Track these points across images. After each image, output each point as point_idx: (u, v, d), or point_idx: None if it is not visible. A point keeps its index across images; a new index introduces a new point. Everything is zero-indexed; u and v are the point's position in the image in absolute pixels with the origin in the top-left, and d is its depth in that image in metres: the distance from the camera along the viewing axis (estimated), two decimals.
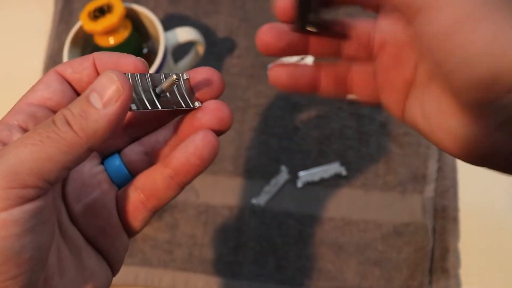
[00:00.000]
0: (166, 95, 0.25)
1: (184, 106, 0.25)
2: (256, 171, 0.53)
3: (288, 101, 0.56)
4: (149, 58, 0.51)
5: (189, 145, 0.25)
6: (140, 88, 0.24)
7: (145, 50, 0.52)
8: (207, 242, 0.51)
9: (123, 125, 0.27)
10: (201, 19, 0.61)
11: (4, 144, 0.23)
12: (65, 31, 0.62)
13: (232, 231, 0.52)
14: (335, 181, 0.52)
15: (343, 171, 0.52)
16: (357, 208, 0.51)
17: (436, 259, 0.49)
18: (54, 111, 0.25)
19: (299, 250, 0.51)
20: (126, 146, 0.28)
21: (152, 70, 0.47)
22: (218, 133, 0.26)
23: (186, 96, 0.26)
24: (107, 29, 0.46)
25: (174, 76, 0.24)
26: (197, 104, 0.26)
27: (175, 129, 0.27)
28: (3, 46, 0.64)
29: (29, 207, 0.20)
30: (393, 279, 0.49)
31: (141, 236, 0.52)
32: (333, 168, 0.53)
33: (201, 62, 0.58)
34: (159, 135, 0.27)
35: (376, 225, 0.51)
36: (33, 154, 0.21)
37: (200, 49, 0.53)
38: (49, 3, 0.64)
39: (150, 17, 0.50)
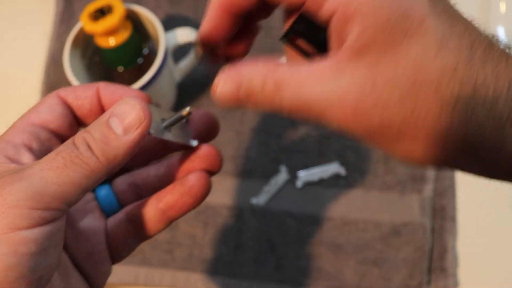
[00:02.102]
0: (172, 128, 0.26)
1: (186, 142, 0.26)
2: (255, 171, 0.54)
3: None
4: (150, 59, 0.51)
5: (185, 183, 0.26)
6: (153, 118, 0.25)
7: (145, 51, 0.52)
8: (206, 242, 0.52)
9: None
10: (201, 20, 0.61)
11: (13, 161, 0.23)
12: (66, 32, 0.62)
13: (231, 231, 0.52)
14: (334, 181, 0.53)
15: (342, 171, 0.53)
16: (356, 208, 0.52)
17: (435, 258, 0.49)
18: (55, 134, 0.26)
19: (299, 250, 0.51)
20: (116, 175, 0.29)
21: (153, 71, 0.47)
22: (210, 174, 0.27)
23: (186, 133, 0.27)
24: (108, 30, 0.46)
25: (188, 109, 0.25)
26: (195, 142, 0.27)
27: (168, 166, 0.28)
28: (4, 46, 0.64)
29: (48, 228, 0.21)
30: (392, 278, 0.49)
31: None
32: (333, 168, 0.53)
33: (201, 62, 0.58)
34: (151, 169, 0.29)
35: (375, 224, 0.51)
36: (58, 178, 0.21)
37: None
38: (50, 4, 0.64)
39: (151, 18, 0.50)
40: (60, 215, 0.22)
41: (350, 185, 0.52)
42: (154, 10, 0.62)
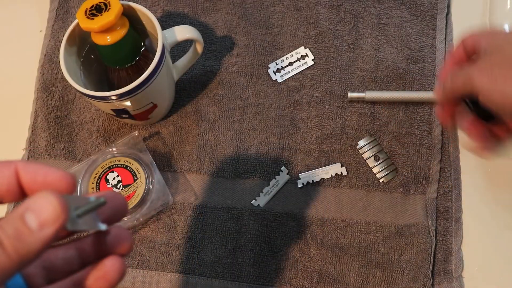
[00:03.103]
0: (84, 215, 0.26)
1: (95, 228, 0.26)
2: (255, 171, 0.53)
3: (288, 100, 0.55)
4: (147, 57, 0.50)
5: (100, 268, 0.26)
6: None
7: (143, 49, 0.51)
8: (205, 244, 0.51)
9: None
10: (199, 17, 0.60)
11: None
12: (61, 29, 0.61)
13: (231, 233, 0.51)
14: (336, 182, 0.52)
15: (344, 172, 0.52)
16: (358, 209, 0.51)
17: (439, 261, 0.48)
18: None
19: (299, 252, 0.50)
20: None
21: (151, 68, 0.46)
22: (121, 255, 0.27)
23: (94, 217, 0.27)
24: (104, 27, 0.45)
25: (102, 200, 0.25)
26: (104, 226, 0.27)
27: (77, 249, 0.28)
28: None
29: None
30: (395, 281, 0.48)
31: (139, 238, 0.51)
32: (334, 169, 0.52)
33: (200, 60, 0.57)
34: (59, 251, 0.28)
35: (378, 226, 0.50)
36: None
37: (199, 47, 0.53)
38: (45, 1, 0.63)
39: (148, 15, 0.49)
40: None
41: (352, 186, 0.51)
42: (151, 7, 0.61)
